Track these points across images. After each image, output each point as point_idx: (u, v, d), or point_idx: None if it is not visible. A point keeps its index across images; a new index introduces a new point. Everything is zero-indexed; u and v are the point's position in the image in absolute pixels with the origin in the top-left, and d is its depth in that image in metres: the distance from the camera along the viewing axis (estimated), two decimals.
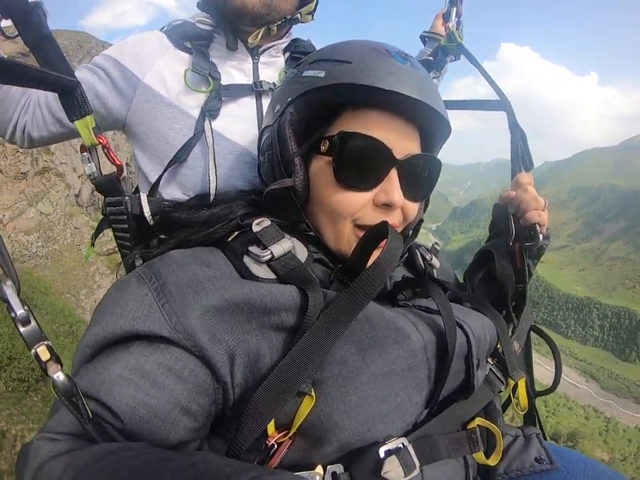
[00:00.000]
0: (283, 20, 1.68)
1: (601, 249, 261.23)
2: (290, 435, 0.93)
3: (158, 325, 0.88)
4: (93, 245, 1.76)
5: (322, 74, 1.10)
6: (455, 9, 2.01)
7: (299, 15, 1.73)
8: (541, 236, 1.48)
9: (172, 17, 1.81)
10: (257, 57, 1.75)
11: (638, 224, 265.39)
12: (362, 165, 1.11)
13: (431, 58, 2.10)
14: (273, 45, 1.77)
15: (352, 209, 1.12)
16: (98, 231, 1.67)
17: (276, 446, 0.93)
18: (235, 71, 1.73)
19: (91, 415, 0.78)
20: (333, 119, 1.14)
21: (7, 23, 1.10)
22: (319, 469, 0.92)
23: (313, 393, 0.91)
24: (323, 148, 1.13)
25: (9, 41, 1.20)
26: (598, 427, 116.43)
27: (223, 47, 1.71)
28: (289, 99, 1.15)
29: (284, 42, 1.81)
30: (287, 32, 1.84)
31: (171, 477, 0.66)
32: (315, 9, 1.81)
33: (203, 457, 0.74)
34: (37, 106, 1.66)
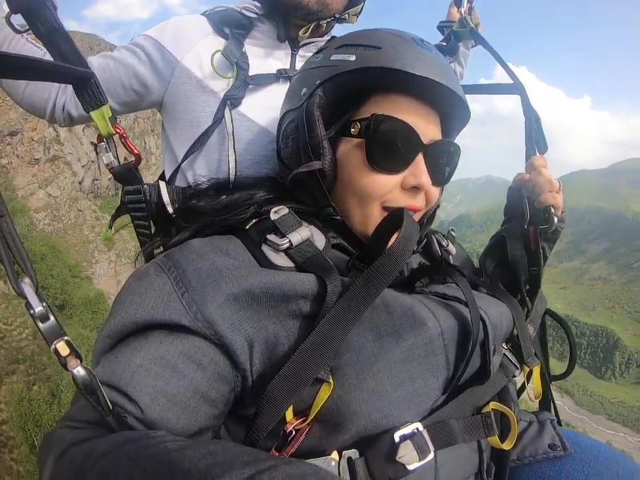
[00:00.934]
0: (332, 18, 1.72)
1: (583, 269, 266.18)
2: (308, 421, 0.93)
3: (178, 314, 0.89)
4: (110, 227, 1.74)
5: (352, 57, 1.11)
6: None
7: (346, 15, 1.77)
8: (555, 218, 1.46)
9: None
10: (296, 49, 1.77)
11: (621, 245, 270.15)
12: (393, 148, 1.12)
13: (443, 43, 2.09)
14: (314, 42, 1.79)
15: (382, 191, 1.13)
16: (116, 215, 1.65)
17: (294, 432, 0.94)
18: (273, 60, 1.74)
19: (111, 407, 0.78)
20: (362, 103, 1.15)
21: (18, 19, 1.13)
22: (335, 454, 0.93)
23: (330, 380, 0.92)
24: (353, 130, 1.14)
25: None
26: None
27: (263, 35, 1.73)
28: (318, 81, 1.15)
29: (325, 40, 1.80)
30: (330, 30, 1.87)
31: (190, 464, 0.65)
32: (361, 12, 1.85)
33: (221, 445, 0.71)
34: None
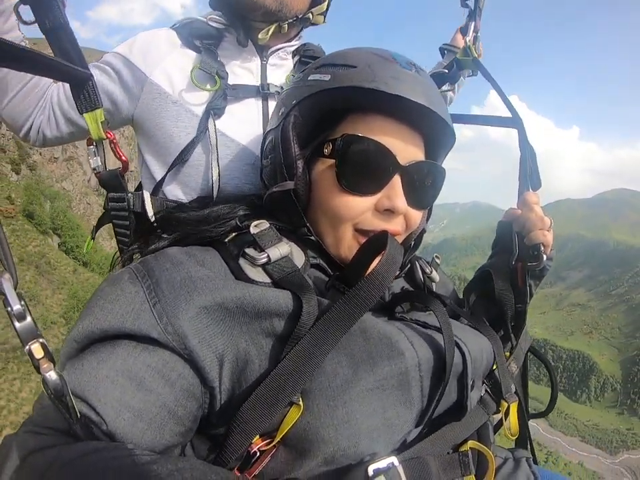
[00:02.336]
0: (294, 19, 1.66)
1: (563, 295, 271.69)
2: (274, 443, 0.90)
3: (148, 326, 0.85)
4: (93, 238, 1.75)
5: (327, 77, 1.10)
6: (472, 24, 2.02)
7: (310, 15, 1.71)
8: (544, 256, 1.44)
9: (175, 21, 1.76)
10: (265, 58, 1.72)
11: (600, 273, 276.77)
12: (365, 168, 1.09)
13: (445, 70, 2.04)
14: (282, 47, 1.75)
15: (353, 213, 1.10)
16: (98, 225, 1.66)
17: (258, 453, 0.91)
18: (242, 71, 1.70)
19: (79, 415, 0.75)
20: (337, 123, 1.14)
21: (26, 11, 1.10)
22: None
23: (300, 403, 0.89)
24: (326, 151, 1.12)
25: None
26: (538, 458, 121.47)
27: (232, 45, 1.70)
28: (294, 101, 1.14)
29: (293, 45, 1.78)
30: (298, 34, 1.82)
31: (157, 479, 0.64)
32: (327, 10, 1.78)
33: (189, 463, 0.71)
34: (51, 106, 1.68)
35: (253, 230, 1.05)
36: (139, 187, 1.78)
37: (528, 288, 1.50)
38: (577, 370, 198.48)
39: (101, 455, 0.71)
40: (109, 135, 1.32)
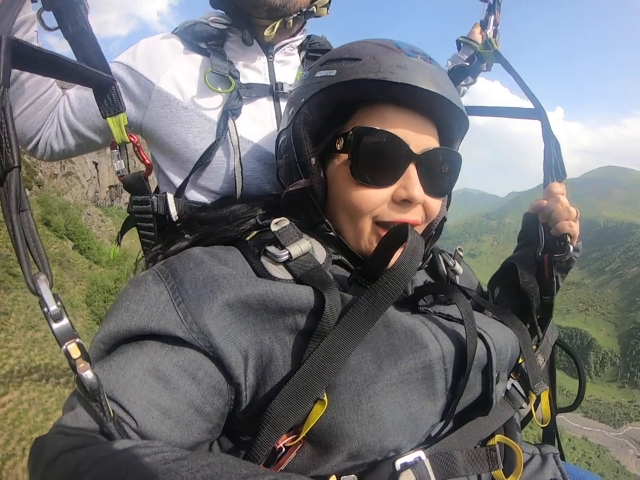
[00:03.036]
0: (299, 13, 1.62)
1: None
2: (299, 438, 0.91)
3: (173, 325, 0.86)
4: (119, 244, 1.76)
5: (333, 72, 1.09)
6: (492, 17, 2.02)
7: (314, 8, 1.67)
8: (571, 247, 1.41)
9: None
10: (271, 56, 1.70)
11: (593, 251, 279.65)
12: (378, 160, 1.08)
13: (467, 64, 2.02)
14: (287, 43, 1.72)
15: (371, 205, 1.09)
16: (124, 229, 1.68)
17: (284, 449, 0.92)
18: (249, 70, 1.68)
19: (112, 414, 0.77)
20: (348, 117, 1.13)
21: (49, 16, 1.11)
22: (333, 478, 0.90)
23: (325, 398, 0.89)
24: (338, 146, 1.11)
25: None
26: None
27: (236, 45, 1.67)
28: (303, 99, 1.14)
29: (298, 39, 1.76)
30: (302, 28, 1.79)
31: (188, 474, 0.64)
32: (329, 2, 1.73)
33: (219, 458, 0.71)
34: (57, 118, 1.65)
35: (273, 227, 1.05)
36: (157, 192, 1.76)
37: (555, 280, 1.49)
38: (576, 347, 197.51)
39: (131, 452, 0.71)
40: (132, 139, 1.32)
